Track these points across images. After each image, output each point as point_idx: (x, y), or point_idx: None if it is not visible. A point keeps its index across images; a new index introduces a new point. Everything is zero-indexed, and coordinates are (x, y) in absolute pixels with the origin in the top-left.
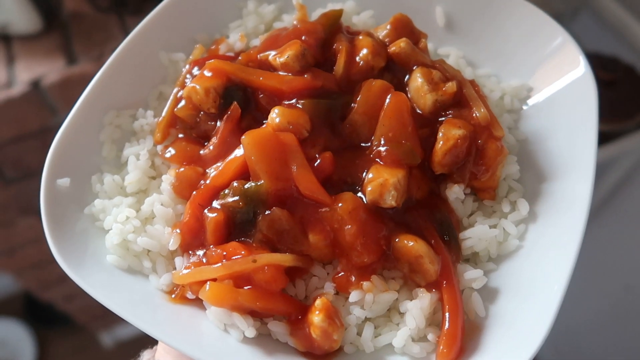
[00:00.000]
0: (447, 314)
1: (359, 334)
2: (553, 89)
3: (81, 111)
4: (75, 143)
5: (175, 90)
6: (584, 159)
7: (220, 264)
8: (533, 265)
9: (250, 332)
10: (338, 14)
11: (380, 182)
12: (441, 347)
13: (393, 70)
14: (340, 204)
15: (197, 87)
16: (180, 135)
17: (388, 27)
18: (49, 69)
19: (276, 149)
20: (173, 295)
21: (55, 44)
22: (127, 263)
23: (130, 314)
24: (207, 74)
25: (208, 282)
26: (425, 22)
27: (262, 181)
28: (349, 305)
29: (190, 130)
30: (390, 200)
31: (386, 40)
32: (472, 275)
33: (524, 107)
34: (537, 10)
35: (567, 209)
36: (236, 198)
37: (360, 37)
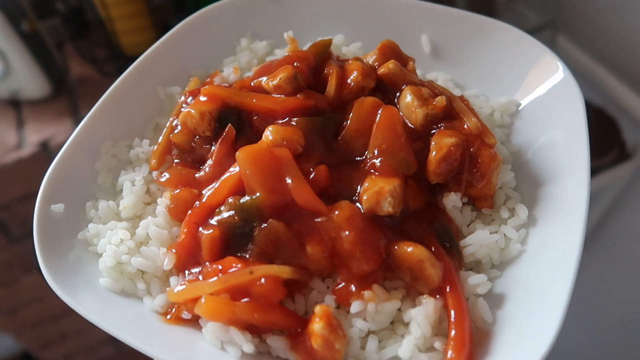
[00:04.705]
0: (452, 320)
1: (363, 348)
2: (538, 99)
3: (77, 140)
4: (71, 171)
5: (171, 119)
6: (577, 160)
7: (216, 277)
8: (537, 269)
9: (248, 347)
10: (328, 43)
11: (376, 189)
12: (449, 354)
13: (383, 91)
14: (336, 212)
15: (192, 111)
16: (176, 161)
17: (376, 52)
18: (57, 131)
19: (271, 162)
20: (168, 317)
21: (63, 108)
22: (120, 285)
23: (123, 332)
24: (202, 99)
25: (204, 296)
26: (412, 51)
27: (258, 194)
28: (351, 318)
29: (185, 156)
30: (387, 207)
31: (375, 64)
32: (476, 280)
33: (515, 122)
34: (515, 29)
35: (565, 210)
36: (231, 213)
37: (350, 62)
